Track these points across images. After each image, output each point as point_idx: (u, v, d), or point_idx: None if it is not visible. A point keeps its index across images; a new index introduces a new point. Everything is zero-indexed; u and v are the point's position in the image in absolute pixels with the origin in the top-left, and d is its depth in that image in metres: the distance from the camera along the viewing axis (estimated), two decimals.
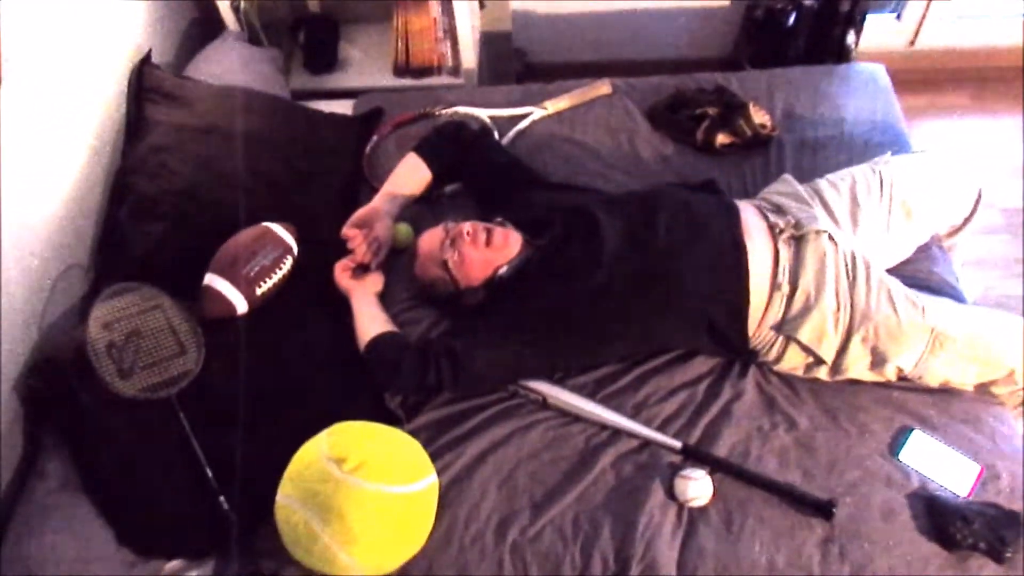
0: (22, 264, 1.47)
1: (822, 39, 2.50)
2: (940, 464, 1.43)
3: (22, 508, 1.31)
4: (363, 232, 1.68)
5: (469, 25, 2.34)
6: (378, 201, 1.75)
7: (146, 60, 1.95)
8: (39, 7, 1.58)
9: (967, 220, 1.71)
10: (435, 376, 1.50)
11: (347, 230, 1.68)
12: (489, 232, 1.59)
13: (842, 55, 2.51)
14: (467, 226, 1.59)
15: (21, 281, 1.46)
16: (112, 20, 1.88)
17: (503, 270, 1.58)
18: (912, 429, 1.47)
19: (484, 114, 2.03)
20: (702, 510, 1.41)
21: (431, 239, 1.63)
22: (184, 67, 2.11)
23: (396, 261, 1.75)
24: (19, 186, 1.48)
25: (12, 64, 1.46)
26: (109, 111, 1.83)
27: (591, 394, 1.56)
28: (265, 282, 1.59)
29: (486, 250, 1.57)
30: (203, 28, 2.33)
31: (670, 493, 1.43)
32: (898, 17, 2.72)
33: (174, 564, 1.41)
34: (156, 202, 1.71)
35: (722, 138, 1.92)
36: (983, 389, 1.50)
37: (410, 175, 1.79)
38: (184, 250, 1.64)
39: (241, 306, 1.57)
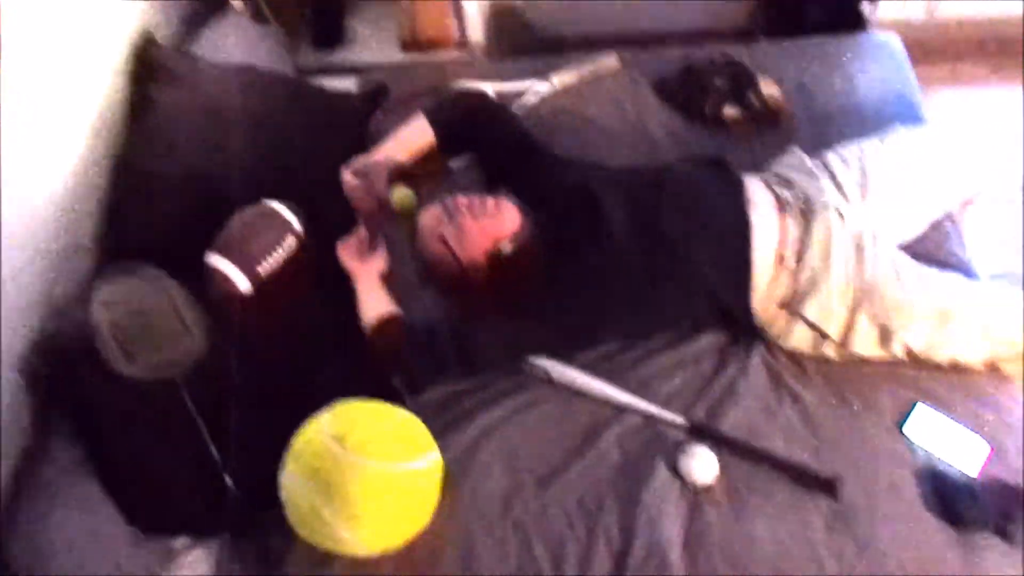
0: (26, 245, 1.48)
1: (839, 9, 2.44)
2: (948, 441, 1.41)
3: (29, 488, 1.33)
4: (362, 182, 1.69)
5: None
6: (378, 155, 1.74)
7: (149, 39, 1.94)
8: None
9: (979, 194, 1.67)
10: (439, 358, 1.51)
11: (346, 177, 1.68)
12: (484, 202, 1.58)
13: (859, 25, 2.46)
14: (463, 198, 1.58)
15: (25, 262, 1.47)
16: None
17: (506, 245, 1.57)
18: (916, 403, 1.45)
19: (491, 89, 2.01)
20: (707, 488, 1.40)
21: (430, 216, 1.62)
22: (187, 46, 2.10)
23: (399, 241, 1.75)
24: (21, 166, 1.48)
25: (13, 44, 1.45)
26: (112, 91, 1.82)
27: (596, 370, 1.56)
28: (268, 261, 1.59)
29: (483, 220, 1.56)
30: (207, 6, 2.32)
31: (675, 470, 1.42)
32: None
33: (181, 542, 1.43)
34: (159, 182, 1.71)
35: (730, 111, 1.89)
36: (993, 366, 1.48)
37: (413, 136, 1.78)
38: (188, 230, 1.64)
39: (244, 285, 1.57)
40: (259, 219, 1.62)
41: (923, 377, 1.49)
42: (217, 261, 1.56)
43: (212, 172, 1.73)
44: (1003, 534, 1.30)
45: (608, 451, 1.46)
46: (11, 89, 1.46)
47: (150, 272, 1.51)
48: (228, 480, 1.40)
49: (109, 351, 1.42)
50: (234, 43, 2.10)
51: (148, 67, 1.88)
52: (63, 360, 1.44)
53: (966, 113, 2.60)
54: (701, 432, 1.45)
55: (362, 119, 1.99)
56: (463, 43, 2.47)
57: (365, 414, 1.37)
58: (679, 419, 1.47)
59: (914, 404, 1.45)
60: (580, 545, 1.36)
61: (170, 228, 1.65)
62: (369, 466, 1.28)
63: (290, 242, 1.63)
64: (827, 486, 1.37)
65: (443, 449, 1.42)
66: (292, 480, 1.31)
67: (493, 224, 1.56)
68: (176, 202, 1.68)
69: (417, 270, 1.71)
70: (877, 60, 2.01)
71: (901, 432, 1.43)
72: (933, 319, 1.44)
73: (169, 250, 1.59)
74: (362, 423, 1.33)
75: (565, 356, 1.57)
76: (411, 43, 2.48)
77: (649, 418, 1.49)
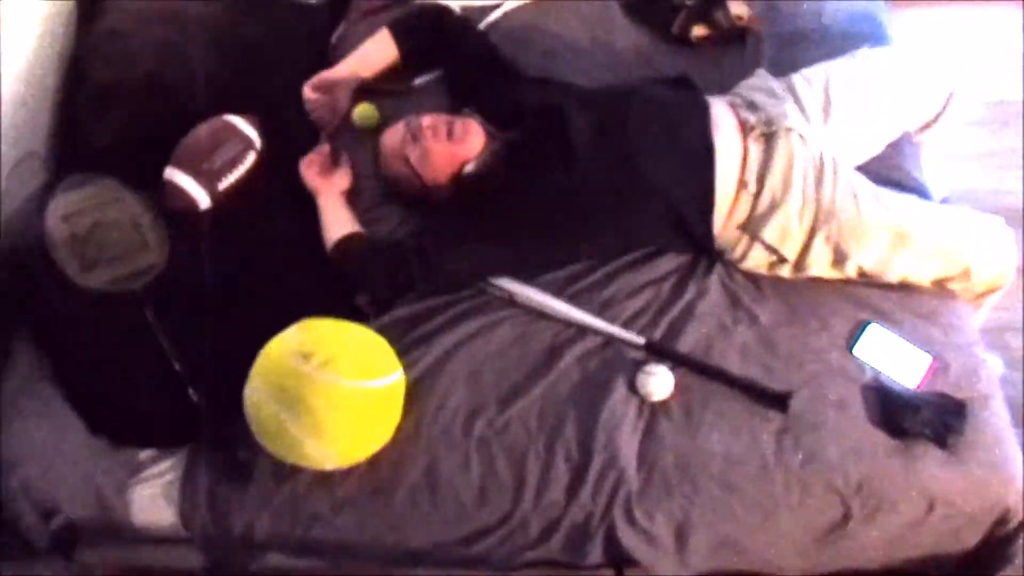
0: None
1: None
2: (893, 357, 1.47)
3: None
4: (323, 97, 1.68)
5: None
6: (340, 70, 1.73)
7: None
8: None
9: (939, 116, 1.69)
10: (404, 276, 1.51)
11: (307, 92, 1.67)
12: (450, 124, 1.56)
13: None
14: (427, 119, 1.56)
15: None
16: None
17: (470, 166, 1.56)
18: (868, 323, 1.50)
19: (455, 3, 1.96)
20: (663, 404, 1.45)
21: (393, 136, 1.60)
22: None
23: (363, 157, 1.72)
24: None
25: None
26: None
27: (559, 291, 1.57)
28: (228, 176, 1.57)
29: (448, 143, 1.55)
30: None
31: (633, 388, 1.46)
32: None
33: (148, 453, 1.45)
34: (115, 90, 1.66)
35: (698, 30, 1.87)
36: (940, 285, 1.53)
37: (377, 51, 1.76)
38: (145, 141, 1.61)
39: (204, 201, 1.55)
40: (219, 134, 1.58)
41: (873, 295, 1.53)
42: (177, 176, 1.53)
43: (169, 81, 1.68)
44: (942, 443, 1.36)
45: (569, 370, 1.49)
46: None
47: (107, 183, 1.48)
48: (192, 392, 1.40)
49: (67, 263, 1.40)
50: None
51: None
52: (20, 270, 1.42)
53: (934, 31, 2.60)
54: (658, 350, 1.49)
55: (324, 32, 1.94)
56: None
57: (330, 332, 1.38)
58: (637, 338, 1.50)
59: (866, 324, 1.50)
60: (540, 459, 1.40)
61: (127, 139, 1.60)
62: (335, 383, 1.29)
63: (251, 158, 1.60)
64: (778, 401, 1.42)
65: (407, 367, 1.44)
66: (258, 396, 1.32)
67: (457, 147, 1.55)
68: (132, 112, 1.63)
69: (380, 188, 1.70)
70: None
71: (851, 352, 1.47)
72: (887, 240, 1.48)
73: (126, 161, 1.55)
74: (328, 341, 1.34)
75: (529, 277, 1.58)
76: None
77: (609, 338, 1.52)
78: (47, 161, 1.64)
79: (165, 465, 1.45)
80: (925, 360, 1.45)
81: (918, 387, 1.43)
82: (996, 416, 1.41)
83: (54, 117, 1.67)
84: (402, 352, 1.46)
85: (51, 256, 1.39)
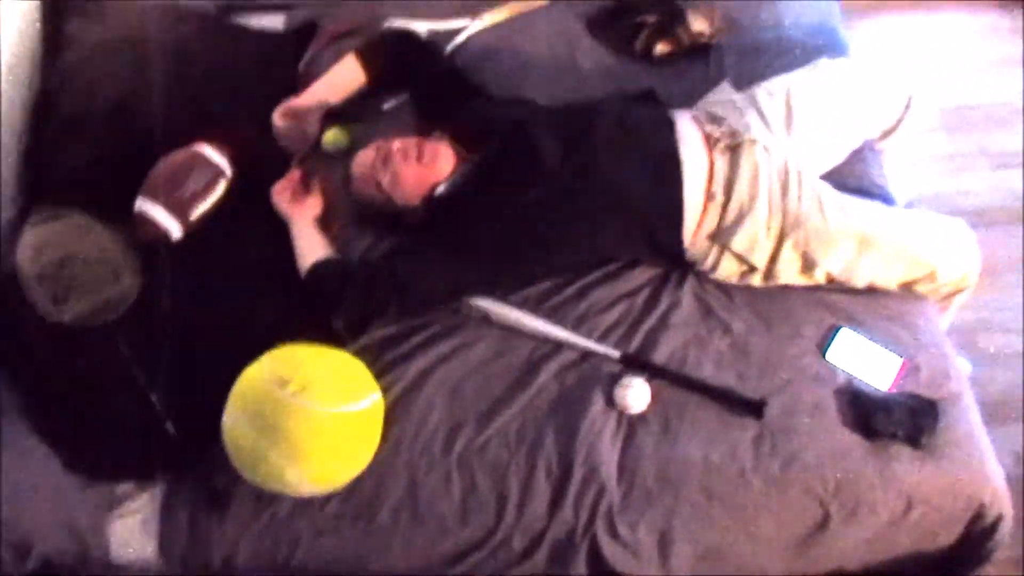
0: None
1: None
2: (865, 360, 1.49)
3: None
4: (292, 123, 1.70)
5: None
6: (309, 96, 1.74)
7: None
8: None
9: (899, 123, 1.73)
10: (378, 299, 1.51)
11: (276, 119, 1.69)
12: (420, 147, 1.58)
13: None
14: (397, 143, 1.58)
15: None
16: None
17: (441, 188, 1.57)
18: (840, 327, 1.52)
19: (422, 27, 1.98)
20: (641, 416, 1.46)
21: (363, 159, 1.61)
22: None
23: (334, 181, 1.73)
24: None
25: None
26: (24, 26, 1.74)
27: (534, 308, 1.58)
28: (199, 206, 1.56)
29: (418, 166, 1.56)
30: None
31: (611, 401, 1.47)
32: None
33: (124, 487, 1.43)
34: (82, 123, 1.66)
35: (661, 47, 1.91)
36: (907, 288, 1.56)
37: (345, 76, 1.77)
38: (114, 173, 1.60)
39: (175, 231, 1.55)
40: (189, 163, 1.58)
41: (843, 300, 1.56)
42: (147, 206, 1.53)
43: (136, 113, 1.68)
44: (914, 443, 1.38)
45: (546, 385, 1.50)
46: None
47: (76, 217, 1.47)
48: (168, 424, 1.39)
49: (38, 297, 1.39)
50: None
51: (60, 2, 1.80)
52: None
53: (889, 40, 2.66)
54: (634, 363, 1.50)
55: (291, 59, 1.94)
56: None
57: (306, 357, 1.37)
58: (613, 352, 1.51)
59: (837, 329, 1.52)
60: (521, 475, 1.41)
61: (95, 171, 1.60)
62: (312, 409, 1.29)
63: (221, 186, 1.60)
64: (754, 408, 1.44)
65: (385, 389, 1.44)
66: (235, 423, 1.32)
67: (428, 170, 1.57)
68: (100, 144, 1.63)
69: (352, 211, 1.71)
70: None
71: (824, 357, 1.50)
72: (854, 246, 1.50)
73: (95, 193, 1.55)
74: (304, 366, 1.34)
75: (503, 294, 1.59)
76: None
77: (585, 352, 1.53)
78: (15, 195, 1.62)
79: (143, 499, 1.43)
80: (896, 362, 1.48)
81: (890, 389, 1.45)
82: (967, 414, 1.44)
83: (21, 152, 1.66)
84: (379, 374, 1.46)
85: (21, 290, 1.38)
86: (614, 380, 1.48)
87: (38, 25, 1.79)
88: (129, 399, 1.39)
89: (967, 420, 1.43)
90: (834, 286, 1.56)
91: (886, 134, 1.75)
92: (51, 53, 1.76)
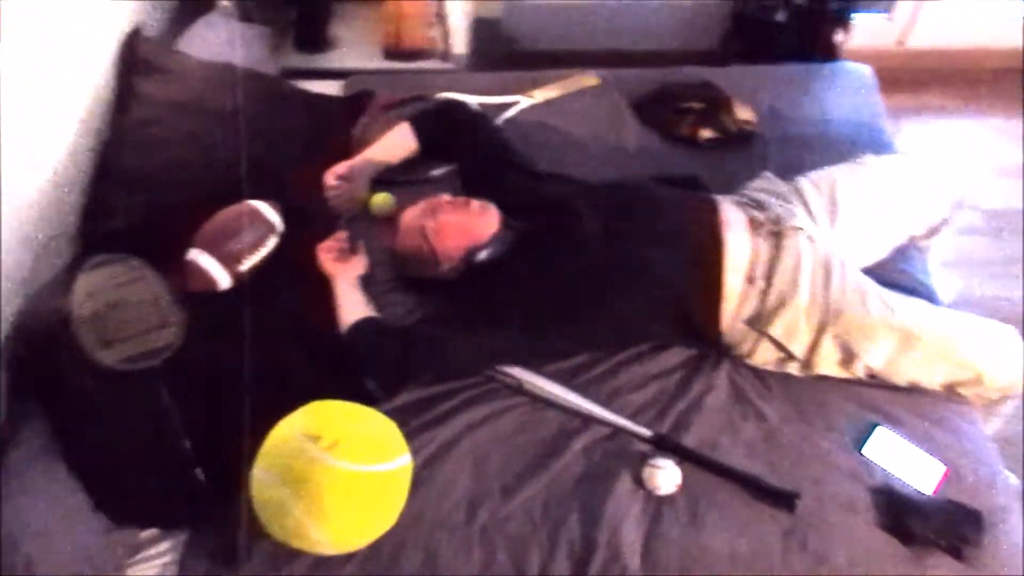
0: (12, 231, 1.48)
1: (811, 37, 2.52)
2: (904, 461, 1.45)
3: None
4: (343, 185, 1.76)
5: (460, 10, 2.35)
6: (361, 160, 1.80)
7: (135, 33, 1.94)
8: None
9: (944, 222, 1.73)
10: (414, 363, 1.53)
11: (329, 180, 1.76)
12: (468, 201, 1.64)
13: (830, 53, 2.53)
14: (447, 196, 1.65)
15: (10, 248, 1.47)
16: None
17: (482, 253, 1.60)
18: (876, 424, 1.50)
19: (472, 101, 2.04)
20: (669, 499, 1.43)
21: (413, 210, 1.67)
22: (175, 42, 2.10)
23: (379, 244, 1.77)
24: (11, 155, 1.48)
25: (9, 38, 1.46)
26: (99, 84, 1.83)
27: (566, 381, 1.58)
28: (249, 259, 1.61)
29: (465, 215, 1.61)
30: (196, 3, 2.33)
31: (639, 481, 1.45)
32: (888, 16, 2.74)
33: (148, 534, 1.43)
34: (142, 175, 1.72)
35: (706, 133, 1.94)
36: (951, 389, 1.52)
37: (397, 143, 1.83)
38: (169, 223, 1.65)
39: (224, 282, 1.58)
40: (242, 217, 1.63)
41: (882, 397, 1.54)
42: (200, 257, 1.57)
43: (194, 168, 1.74)
44: (956, 554, 1.32)
45: (574, 460, 1.49)
46: (6, 80, 1.46)
47: (131, 263, 1.52)
48: (199, 473, 1.40)
49: (86, 340, 1.42)
50: (220, 41, 2.11)
51: (134, 60, 1.89)
52: (39, 345, 1.44)
53: (934, 142, 2.68)
54: (665, 444, 1.49)
55: (346, 123, 2.01)
56: (445, 53, 2.50)
57: (340, 415, 1.38)
58: (644, 431, 1.50)
59: (874, 426, 1.49)
60: (543, 551, 1.38)
61: (151, 221, 1.65)
62: (342, 467, 1.29)
63: (272, 242, 1.64)
64: (785, 500, 1.40)
65: (413, 451, 1.44)
66: (264, 477, 1.32)
67: (473, 222, 1.61)
68: (157, 195, 1.68)
69: (393, 274, 1.74)
70: (848, 88, 2.08)
71: (860, 453, 1.47)
72: (896, 342, 1.49)
73: (149, 242, 1.59)
74: (336, 424, 1.34)
75: (536, 365, 1.59)
76: (394, 51, 2.51)
77: (615, 429, 1.52)
78: (76, 241, 1.68)
79: (164, 547, 1.43)
80: (938, 468, 1.44)
81: (932, 494, 1.41)
82: (1015, 530, 1.39)
83: (84, 201, 1.73)
84: (408, 436, 1.46)
85: (71, 332, 1.41)
86: (643, 460, 1.46)
87: (112, 82, 1.87)
88: (163, 445, 1.40)
89: (1014, 536, 1.38)
90: (874, 381, 1.54)
91: (931, 233, 1.75)
92: (119, 109, 1.84)
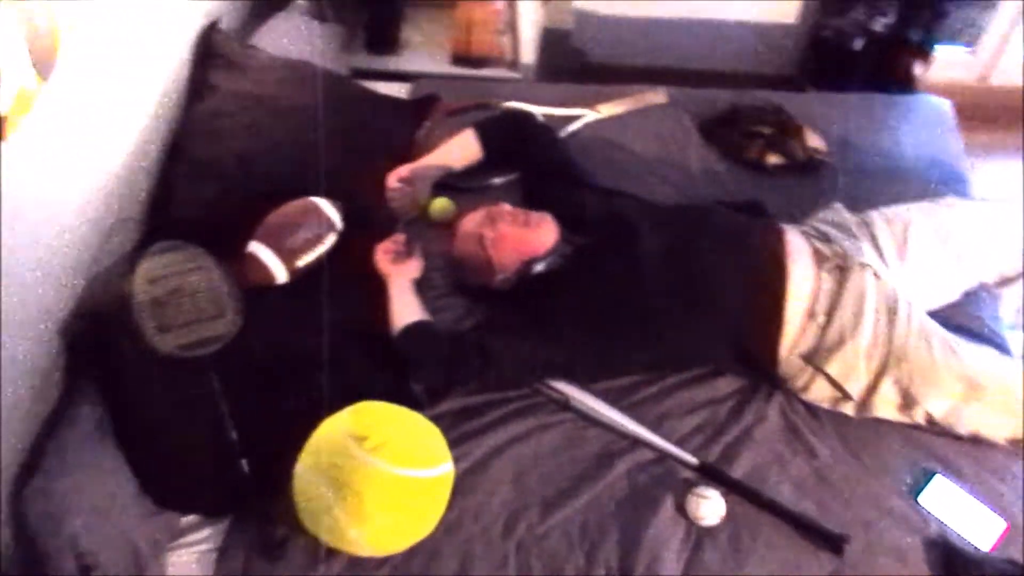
0: (80, 213, 1.52)
1: (890, 66, 2.46)
2: (962, 513, 1.40)
3: (52, 448, 1.35)
4: (405, 188, 1.77)
5: (531, 20, 2.34)
6: (423, 165, 1.81)
7: (212, 26, 1.98)
8: None
9: (1020, 275, 1.65)
10: (464, 369, 1.53)
11: (391, 182, 1.76)
12: (528, 214, 1.63)
13: (908, 85, 2.47)
14: (507, 206, 1.64)
15: (76, 228, 1.51)
16: None
17: (538, 265, 1.59)
18: (934, 473, 1.44)
19: (537, 112, 2.04)
20: (711, 530, 1.40)
21: (472, 217, 1.67)
22: (250, 37, 2.14)
23: (436, 249, 1.77)
24: (85, 139, 1.52)
25: (89, 29, 1.50)
26: (175, 74, 1.87)
27: (615, 400, 1.56)
28: (307, 255, 1.62)
29: (524, 229, 1.61)
30: (272, 1, 2.37)
31: (681, 509, 1.42)
32: (972, 51, 2.65)
33: (189, 519, 1.45)
34: (209, 165, 1.75)
35: (774, 159, 1.91)
36: (1016, 444, 1.46)
37: (461, 149, 1.84)
38: (232, 214, 1.67)
39: (281, 276, 1.60)
40: (303, 214, 1.65)
41: (940, 445, 1.48)
42: (259, 250, 1.59)
43: (260, 161, 1.77)
44: None
45: (617, 482, 1.47)
46: (85, 69, 1.50)
47: (193, 250, 1.54)
48: (244, 464, 1.42)
49: (144, 324, 1.44)
50: (294, 38, 2.14)
51: (208, 53, 1.93)
52: (98, 327, 1.47)
53: (1011, 184, 2.58)
54: (711, 473, 1.46)
55: (411, 126, 2.02)
56: (513, 62, 2.50)
57: (387, 417, 1.38)
58: (691, 458, 1.47)
59: (932, 474, 1.44)
60: (578, 572, 1.37)
61: (215, 211, 1.68)
62: (385, 469, 1.29)
63: (331, 240, 1.66)
64: (833, 542, 1.36)
65: (455, 460, 1.43)
66: (307, 474, 1.33)
67: (531, 235, 1.60)
68: (223, 186, 1.71)
69: (448, 279, 1.74)
70: (925, 123, 2.02)
71: (916, 501, 1.42)
72: (960, 391, 1.43)
73: (212, 232, 1.62)
74: (383, 426, 1.35)
75: (585, 382, 1.58)
76: (462, 57, 2.51)
77: (661, 454, 1.49)
78: (141, 226, 1.72)
79: (204, 533, 1.45)
80: (999, 523, 1.38)
81: (990, 551, 1.35)
82: None
83: (153, 188, 1.76)
84: (452, 444, 1.45)
85: (130, 316, 1.44)
86: (687, 488, 1.43)
87: (186, 73, 1.91)
88: (210, 434, 1.42)
89: None
90: (934, 428, 1.49)
91: (1004, 282, 1.67)
92: (192, 99, 1.88)
